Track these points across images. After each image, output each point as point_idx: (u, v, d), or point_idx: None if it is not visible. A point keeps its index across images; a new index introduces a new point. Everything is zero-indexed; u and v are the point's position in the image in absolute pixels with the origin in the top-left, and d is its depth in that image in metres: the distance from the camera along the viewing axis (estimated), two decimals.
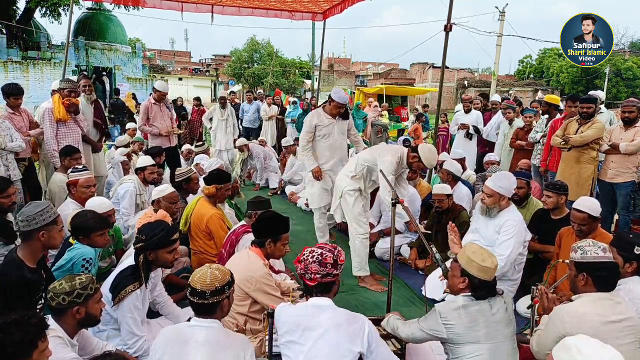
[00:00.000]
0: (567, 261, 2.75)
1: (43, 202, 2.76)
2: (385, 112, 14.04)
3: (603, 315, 2.29)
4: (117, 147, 7.14)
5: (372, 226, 5.31)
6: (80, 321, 2.28)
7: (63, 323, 2.23)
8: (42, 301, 2.71)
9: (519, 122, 7.21)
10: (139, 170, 5.06)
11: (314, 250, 2.29)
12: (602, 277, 2.39)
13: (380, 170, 4.01)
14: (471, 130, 8.09)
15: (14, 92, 5.28)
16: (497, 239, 3.82)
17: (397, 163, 4.20)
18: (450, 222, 4.11)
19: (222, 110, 8.74)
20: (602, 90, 25.53)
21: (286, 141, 8.83)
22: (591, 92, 7.23)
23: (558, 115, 6.37)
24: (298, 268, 2.30)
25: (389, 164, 4.13)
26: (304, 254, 2.30)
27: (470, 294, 2.41)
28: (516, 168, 5.98)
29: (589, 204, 3.51)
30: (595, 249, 2.46)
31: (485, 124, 8.14)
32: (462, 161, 6.38)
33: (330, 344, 2.11)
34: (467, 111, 8.36)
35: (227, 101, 9.15)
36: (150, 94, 18.81)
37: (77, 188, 4.10)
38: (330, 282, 2.28)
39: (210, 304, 2.13)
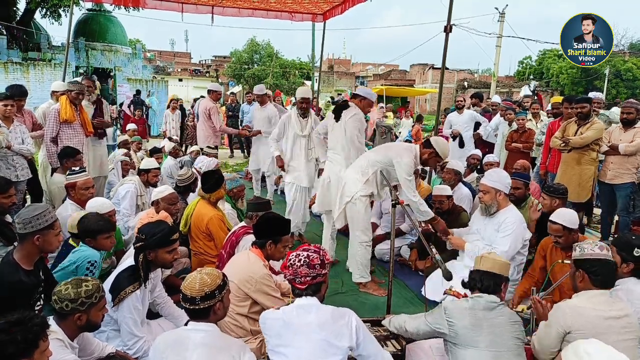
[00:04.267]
0: (568, 261, 2.77)
1: (42, 205, 2.74)
2: (389, 113, 14.05)
3: (602, 311, 2.34)
4: (119, 147, 7.16)
5: (375, 226, 5.31)
6: (81, 327, 2.29)
7: (64, 326, 2.24)
8: (40, 303, 2.71)
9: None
10: (142, 172, 5.07)
11: (299, 254, 2.28)
12: (598, 274, 2.43)
13: (405, 178, 4.01)
14: (479, 133, 8.09)
15: (17, 94, 5.29)
16: (497, 236, 3.83)
17: (415, 163, 4.15)
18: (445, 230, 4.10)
19: (303, 120, 5.43)
20: (602, 91, 25.59)
21: None
22: (591, 94, 7.25)
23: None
24: (286, 274, 2.28)
25: (408, 166, 4.05)
26: (290, 259, 2.28)
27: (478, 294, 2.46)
28: (511, 169, 5.99)
29: (564, 216, 3.44)
30: (592, 247, 2.51)
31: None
32: (476, 162, 6.41)
33: (318, 342, 2.12)
34: (460, 109, 8.37)
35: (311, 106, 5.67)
36: (149, 91, 18.67)
37: (75, 190, 4.10)
38: (320, 282, 2.29)
39: (202, 309, 2.14)
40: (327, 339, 2.13)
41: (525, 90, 9.64)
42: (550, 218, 3.51)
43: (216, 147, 7.37)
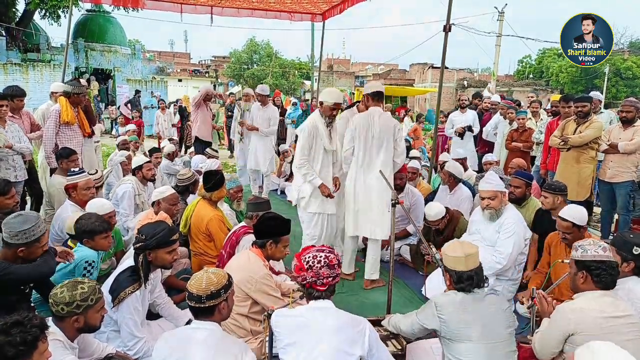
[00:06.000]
0: (567, 261, 2.77)
1: (32, 218, 2.70)
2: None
3: (605, 312, 2.33)
4: (119, 149, 7.16)
5: None
6: (79, 329, 2.29)
7: (63, 328, 2.24)
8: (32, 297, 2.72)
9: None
10: (136, 170, 5.09)
11: (316, 255, 2.26)
12: (601, 275, 2.42)
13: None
14: (467, 131, 8.06)
15: (15, 94, 5.28)
16: (498, 237, 3.83)
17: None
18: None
19: (328, 129, 4.34)
20: (601, 90, 25.62)
21: (283, 147, 8.83)
22: (592, 93, 7.25)
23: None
24: (307, 277, 2.23)
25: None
26: (307, 261, 2.25)
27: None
28: (508, 169, 5.98)
29: (574, 213, 3.44)
30: (595, 248, 2.49)
31: (484, 124, 8.15)
32: (463, 161, 6.38)
33: (331, 347, 2.10)
34: (463, 108, 8.34)
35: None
36: (151, 91, 18.69)
37: (77, 191, 4.10)
38: (336, 283, 2.29)
39: (207, 308, 2.15)
40: (341, 344, 2.11)
41: (486, 94, 9.59)
42: (560, 214, 3.51)
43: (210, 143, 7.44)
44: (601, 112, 6.72)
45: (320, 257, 2.24)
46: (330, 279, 2.23)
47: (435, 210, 4.53)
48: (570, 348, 2.36)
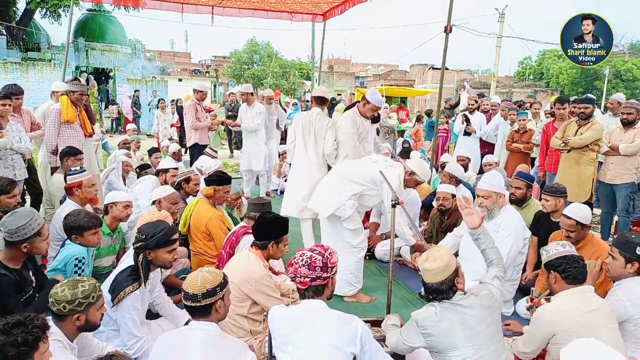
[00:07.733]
0: None
1: (26, 213, 2.70)
2: (393, 114, 14.05)
3: (580, 308, 2.41)
4: (119, 147, 7.15)
5: (375, 226, 5.31)
6: (80, 327, 2.29)
7: (63, 327, 2.24)
8: (34, 301, 2.70)
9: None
10: (160, 172, 5.13)
11: (304, 254, 2.25)
12: (566, 270, 2.51)
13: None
14: (476, 133, 8.04)
15: (13, 92, 5.28)
16: (496, 237, 3.83)
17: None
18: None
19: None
20: (602, 92, 25.62)
21: (282, 148, 8.81)
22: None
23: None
24: (289, 271, 2.27)
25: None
26: (296, 257, 2.27)
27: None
28: (512, 170, 5.99)
29: (578, 211, 3.47)
30: (555, 247, 2.60)
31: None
32: (467, 162, 6.39)
33: (324, 346, 2.10)
34: (472, 111, 8.32)
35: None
36: (154, 91, 18.76)
37: (82, 189, 4.08)
38: (321, 285, 2.24)
39: (204, 306, 2.15)
40: (333, 343, 2.10)
41: (464, 98, 9.50)
42: (564, 212, 3.54)
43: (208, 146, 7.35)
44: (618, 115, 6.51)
45: (307, 256, 2.23)
46: (307, 280, 2.20)
47: (449, 185, 4.94)
48: (554, 347, 2.42)
